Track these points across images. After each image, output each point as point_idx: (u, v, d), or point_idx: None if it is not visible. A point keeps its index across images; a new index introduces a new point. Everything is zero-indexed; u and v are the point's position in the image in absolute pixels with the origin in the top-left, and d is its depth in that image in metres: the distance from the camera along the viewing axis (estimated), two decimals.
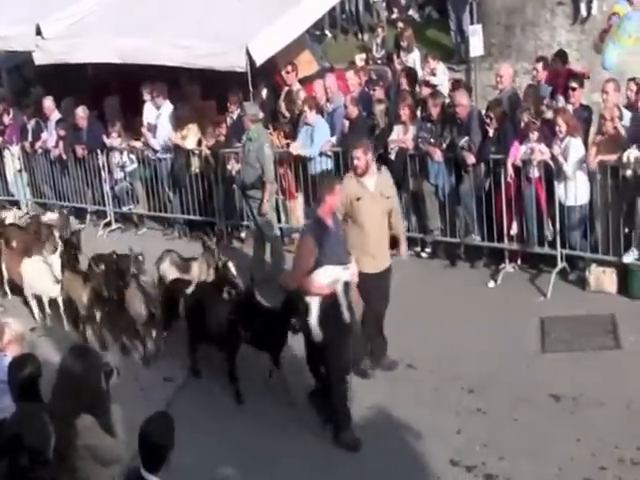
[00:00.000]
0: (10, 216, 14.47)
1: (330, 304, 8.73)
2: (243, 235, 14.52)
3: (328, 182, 9.42)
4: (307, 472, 8.55)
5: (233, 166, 14.06)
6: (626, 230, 11.50)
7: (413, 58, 16.55)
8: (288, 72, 15.06)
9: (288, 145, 13.87)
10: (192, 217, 15.01)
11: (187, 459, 7.22)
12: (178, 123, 15.02)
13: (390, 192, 10.23)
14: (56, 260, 11.85)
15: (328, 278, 8.67)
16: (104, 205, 16.02)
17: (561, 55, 14.52)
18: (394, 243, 10.28)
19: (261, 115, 13.61)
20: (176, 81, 15.89)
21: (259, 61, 14.36)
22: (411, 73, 14.61)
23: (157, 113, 15.41)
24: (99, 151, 15.63)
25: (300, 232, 9.12)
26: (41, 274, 12.07)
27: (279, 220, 13.65)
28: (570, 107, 12.36)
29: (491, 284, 12.15)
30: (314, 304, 8.69)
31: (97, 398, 6.02)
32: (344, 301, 8.82)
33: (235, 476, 5.50)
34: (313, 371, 9.41)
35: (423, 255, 13.25)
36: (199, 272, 11.59)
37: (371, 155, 10.27)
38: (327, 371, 9.06)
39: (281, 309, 9.49)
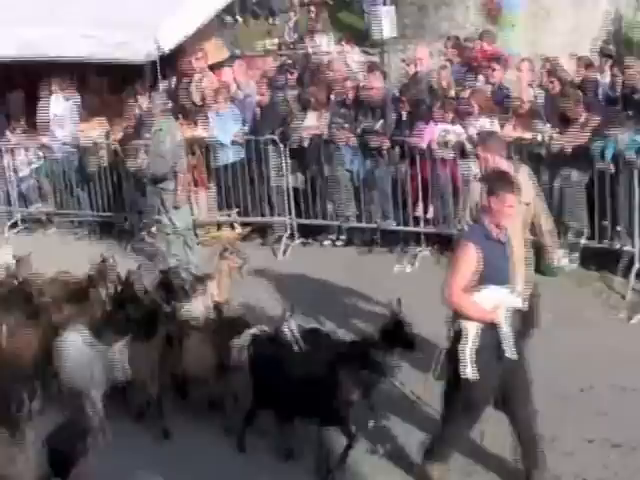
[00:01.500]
0: None
1: (489, 335, 7.00)
2: (154, 229, 14.44)
3: (501, 183, 7.21)
4: None
5: (143, 159, 14.01)
6: None
7: (326, 41, 16.70)
8: (198, 59, 14.99)
9: (198, 134, 13.88)
10: (102, 214, 14.91)
11: None
12: (85, 116, 14.95)
13: (529, 195, 8.17)
14: None
15: (491, 301, 6.99)
16: (10, 205, 15.83)
17: (485, 35, 14.73)
18: None
19: (170, 105, 13.64)
20: (83, 72, 15.75)
21: (168, 49, 14.37)
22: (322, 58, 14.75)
23: (64, 106, 15.27)
24: (3, 149, 15.46)
25: (458, 236, 7.43)
26: None
27: (191, 212, 13.47)
28: (487, 88, 12.57)
29: (408, 269, 12.30)
30: (471, 331, 6.98)
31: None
32: (508, 334, 7.05)
33: None
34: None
35: (338, 243, 13.36)
36: None
37: (504, 155, 8.59)
38: (449, 412, 7.42)
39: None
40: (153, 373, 8.62)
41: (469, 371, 6.93)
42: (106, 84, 15.76)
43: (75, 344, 8.81)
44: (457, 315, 7.07)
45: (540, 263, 11.63)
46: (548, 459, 7.35)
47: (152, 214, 14.08)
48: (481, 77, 13.22)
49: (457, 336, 7.05)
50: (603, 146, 10.96)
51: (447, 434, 7.42)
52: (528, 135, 11.73)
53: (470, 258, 6.87)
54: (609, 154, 10.92)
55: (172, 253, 12.75)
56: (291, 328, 8.27)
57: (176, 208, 12.65)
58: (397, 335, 7.97)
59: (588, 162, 11.31)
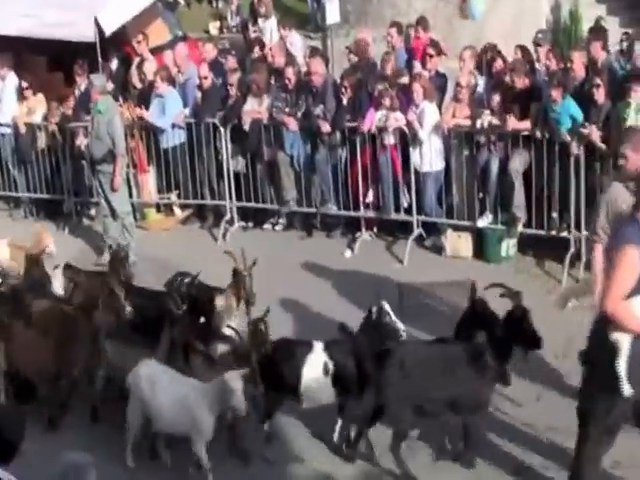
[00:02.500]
0: None
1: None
2: (93, 212, 14.27)
3: None
4: None
5: (82, 141, 13.82)
6: (480, 195, 11.85)
7: (270, 25, 16.56)
8: (139, 42, 14.74)
9: (139, 117, 13.68)
10: (39, 195, 14.62)
11: None
12: (23, 96, 14.65)
13: None
14: None
15: None
16: None
17: (421, 22, 14.71)
18: None
19: (110, 87, 13.45)
20: (21, 52, 15.46)
21: (108, 31, 14.16)
22: (264, 42, 14.62)
23: (0, 86, 14.99)
24: None
25: (619, 237, 6.35)
26: None
27: (130, 195, 13.37)
28: (426, 74, 12.56)
29: (348, 253, 12.30)
30: (624, 344, 6.25)
31: None
32: None
33: (86, 463, 5.21)
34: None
35: (278, 227, 13.30)
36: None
37: None
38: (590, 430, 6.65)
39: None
40: None
41: (627, 388, 6.27)
42: (45, 63, 15.53)
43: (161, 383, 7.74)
44: (610, 325, 6.28)
45: (482, 250, 11.85)
46: None
47: (91, 196, 13.99)
48: (419, 64, 13.22)
49: (609, 348, 6.28)
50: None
51: (586, 456, 6.69)
52: (467, 121, 11.77)
53: (633, 263, 6.13)
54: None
55: (110, 236, 12.63)
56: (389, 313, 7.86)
57: (114, 191, 12.54)
58: (522, 329, 7.68)
59: (527, 149, 11.39)
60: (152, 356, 8.14)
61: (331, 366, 7.74)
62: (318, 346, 7.85)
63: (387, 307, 7.78)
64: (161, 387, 7.65)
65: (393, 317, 7.73)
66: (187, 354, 8.33)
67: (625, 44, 12.94)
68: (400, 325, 7.68)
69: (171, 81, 13.80)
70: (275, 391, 7.80)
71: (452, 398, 7.55)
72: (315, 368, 7.76)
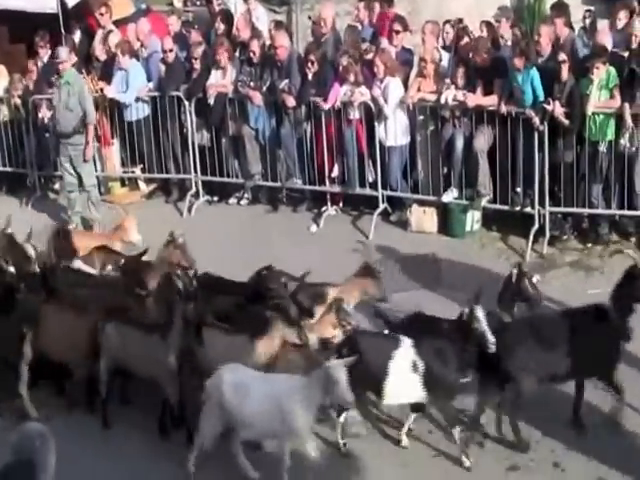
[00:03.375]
0: None
1: None
2: (57, 186, 14.04)
3: None
4: None
5: (45, 113, 13.58)
6: (445, 170, 11.78)
7: None
8: (102, 14, 14.41)
9: (102, 90, 13.45)
10: (2, 169, 14.32)
11: None
12: None
13: None
14: None
15: None
16: None
17: None
18: None
19: (73, 59, 13.22)
20: None
21: (71, 2, 13.93)
22: (229, 15, 14.37)
23: None
24: None
25: None
26: None
27: (95, 169, 13.10)
28: (393, 50, 12.44)
29: (313, 228, 12.21)
30: None
31: None
32: None
33: (44, 433, 4.92)
34: None
35: (243, 202, 13.17)
36: None
37: None
38: None
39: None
40: None
41: None
42: (7, 35, 15.23)
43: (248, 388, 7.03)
44: None
45: (449, 225, 11.81)
46: None
47: (54, 170, 13.78)
48: (385, 39, 13.08)
49: None
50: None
51: None
52: (432, 96, 11.68)
53: None
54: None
55: (76, 210, 12.44)
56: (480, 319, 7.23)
57: (86, 162, 12.35)
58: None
59: (491, 125, 11.32)
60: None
61: (419, 363, 7.24)
62: (407, 342, 7.33)
63: (480, 313, 7.24)
64: (250, 392, 6.94)
65: (484, 325, 7.19)
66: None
67: (588, 21, 12.91)
68: (490, 336, 7.11)
69: (134, 54, 13.58)
70: (357, 384, 7.01)
71: (582, 362, 7.36)
72: (403, 364, 7.25)
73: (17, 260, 9.39)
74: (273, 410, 6.83)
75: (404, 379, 7.21)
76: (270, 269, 8.46)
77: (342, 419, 7.50)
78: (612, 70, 10.69)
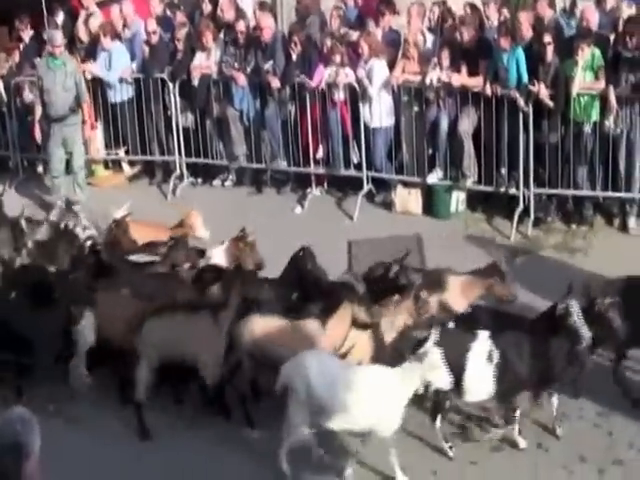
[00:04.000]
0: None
1: None
2: (40, 169, 13.83)
3: None
4: None
5: (27, 95, 13.38)
6: (430, 151, 11.68)
7: None
8: None
9: (84, 72, 13.15)
10: None
11: None
12: None
13: None
14: None
15: None
16: None
17: None
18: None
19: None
20: None
21: None
22: None
23: None
24: None
25: None
26: None
27: None
28: (380, 31, 12.30)
29: (298, 209, 12.10)
30: None
31: None
32: None
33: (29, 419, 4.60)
34: None
35: (227, 183, 13.02)
36: None
37: None
38: None
39: None
40: None
41: None
42: None
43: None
44: None
45: (433, 206, 11.71)
46: None
47: (37, 152, 13.59)
48: (372, 21, 12.92)
49: None
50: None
51: None
52: (417, 78, 11.54)
53: None
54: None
55: (60, 195, 12.23)
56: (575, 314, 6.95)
57: (82, 143, 12.26)
58: None
59: (476, 107, 11.21)
60: None
61: (497, 357, 6.94)
62: (483, 335, 7.04)
63: (576, 308, 6.94)
64: (339, 380, 6.60)
65: (580, 320, 6.91)
66: None
67: (568, 1, 12.79)
68: (585, 332, 6.84)
69: (117, 36, 13.38)
70: None
71: None
72: (480, 359, 6.95)
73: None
74: (366, 400, 6.52)
75: (483, 375, 6.93)
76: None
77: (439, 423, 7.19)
78: (597, 51, 10.58)
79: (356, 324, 7.29)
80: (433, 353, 6.50)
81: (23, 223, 9.72)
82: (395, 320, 7.43)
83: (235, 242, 9.15)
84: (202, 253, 9.08)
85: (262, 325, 7.37)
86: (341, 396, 6.51)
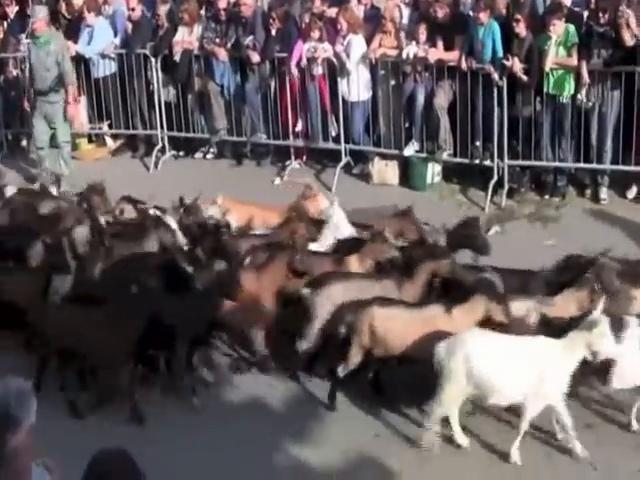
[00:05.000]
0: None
1: None
2: (24, 143, 13.51)
3: None
4: None
5: (12, 71, 13.06)
6: (406, 124, 11.46)
7: None
8: None
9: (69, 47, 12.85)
10: None
11: None
12: None
13: None
14: None
15: None
16: None
17: None
18: None
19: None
20: None
21: None
22: None
23: None
24: None
25: None
26: None
27: None
28: (362, 8, 12.05)
29: (277, 181, 11.89)
30: None
31: None
32: None
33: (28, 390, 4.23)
34: None
35: (209, 156, 12.80)
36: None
37: None
38: None
39: None
40: None
41: None
42: None
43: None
44: None
45: (410, 178, 11.52)
46: None
47: (22, 127, 13.29)
48: None
49: None
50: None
51: None
52: (394, 52, 11.30)
53: None
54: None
55: (45, 168, 11.95)
56: None
57: (66, 120, 11.89)
58: None
59: (451, 81, 10.98)
60: None
61: None
62: (634, 322, 6.56)
63: None
64: (501, 356, 6.28)
65: None
66: None
67: None
68: None
69: (99, 12, 13.07)
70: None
71: None
72: (632, 345, 6.44)
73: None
74: (530, 373, 6.21)
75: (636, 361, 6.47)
76: None
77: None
78: (572, 28, 10.32)
79: (490, 322, 6.75)
80: (601, 322, 6.10)
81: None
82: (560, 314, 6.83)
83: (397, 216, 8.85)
84: None
85: (384, 317, 6.88)
86: (505, 369, 6.24)
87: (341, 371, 6.97)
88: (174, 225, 8.46)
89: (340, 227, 8.53)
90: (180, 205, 9.07)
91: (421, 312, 6.90)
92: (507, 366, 6.24)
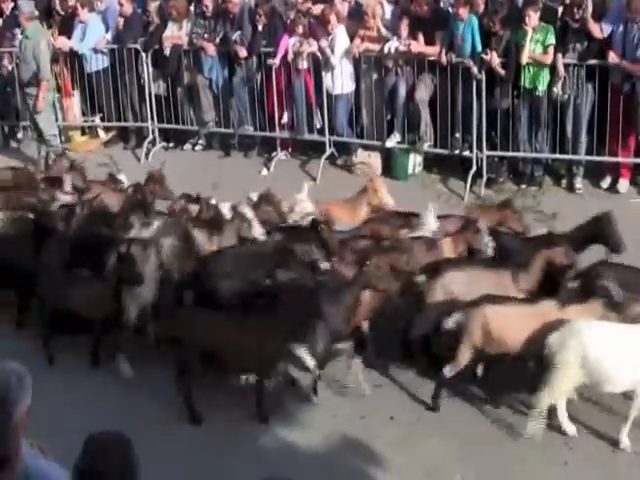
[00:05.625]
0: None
1: None
2: (20, 135, 13.48)
3: None
4: None
5: (7, 65, 13.03)
6: (388, 116, 11.45)
7: None
8: None
9: (62, 43, 12.81)
10: None
11: None
12: None
13: None
14: None
15: None
16: None
17: None
18: None
19: (37, 13, 12.66)
20: None
21: None
22: None
23: None
24: None
25: None
26: None
27: (56, 118, 12.63)
28: (346, 5, 12.04)
29: (264, 172, 11.85)
30: None
31: None
32: None
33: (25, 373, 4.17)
34: None
35: (198, 147, 12.76)
36: None
37: None
38: None
39: None
40: None
41: None
42: None
43: None
44: None
45: (391, 168, 11.54)
46: None
47: (17, 119, 13.27)
48: None
49: None
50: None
51: None
52: (376, 47, 11.29)
53: None
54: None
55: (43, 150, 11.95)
56: None
57: (37, 113, 11.86)
58: None
59: (432, 75, 10.96)
60: None
61: None
62: None
63: None
64: (617, 345, 6.10)
65: None
66: None
67: None
68: None
69: (92, 8, 13.03)
70: None
71: None
72: None
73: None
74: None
75: None
76: None
77: None
78: (550, 29, 10.31)
79: None
80: None
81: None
82: None
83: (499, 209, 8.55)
84: None
85: (497, 315, 6.56)
86: (619, 357, 6.08)
87: (448, 372, 6.68)
88: (250, 215, 8.11)
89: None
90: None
91: (534, 308, 6.59)
92: (621, 354, 6.08)
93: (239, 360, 6.63)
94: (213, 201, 8.83)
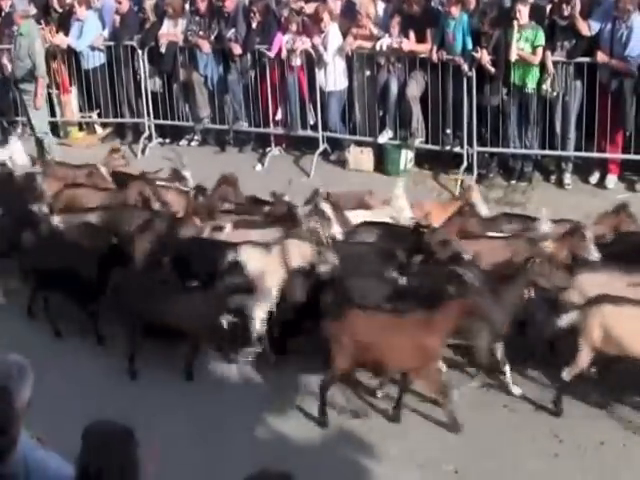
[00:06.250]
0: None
1: None
2: (19, 131, 13.31)
3: None
4: None
5: (7, 62, 12.88)
6: (381, 113, 11.36)
7: None
8: None
9: (59, 40, 12.68)
10: None
11: None
12: None
13: None
14: None
15: None
16: None
17: None
18: None
19: (33, 11, 12.53)
20: None
21: None
22: None
23: None
24: None
25: None
26: None
27: (54, 114, 12.58)
28: (339, 3, 11.93)
29: (259, 167, 11.75)
30: None
31: None
32: None
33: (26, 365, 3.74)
34: None
35: (193, 143, 12.67)
36: None
37: None
38: None
39: None
40: None
41: None
42: None
43: None
44: None
45: (384, 164, 11.46)
46: None
47: (16, 115, 13.15)
48: None
49: None
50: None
51: None
52: (369, 44, 11.19)
53: None
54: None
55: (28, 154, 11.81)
56: None
57: (36, 109, 11.69)
58: None
59: (423, 72, 10.86)
60: None
61: None
62: None
63: None
64: None
65: None
66: None
67: None
68: None
69: (89, 5, 12.92)
70: None
71: None
72: None
73: None
74: None
75: None
76: None
77: None
78: (540, 31, 10.18)
79: None
80: None
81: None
82: None
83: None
84: None
85: (618, 315, 6.19)
86: None
87: (567, 375, 6.35)
88: (329, 212, 7.75)
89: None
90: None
91: None
92: None
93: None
94: (286, 197, 8.47)
